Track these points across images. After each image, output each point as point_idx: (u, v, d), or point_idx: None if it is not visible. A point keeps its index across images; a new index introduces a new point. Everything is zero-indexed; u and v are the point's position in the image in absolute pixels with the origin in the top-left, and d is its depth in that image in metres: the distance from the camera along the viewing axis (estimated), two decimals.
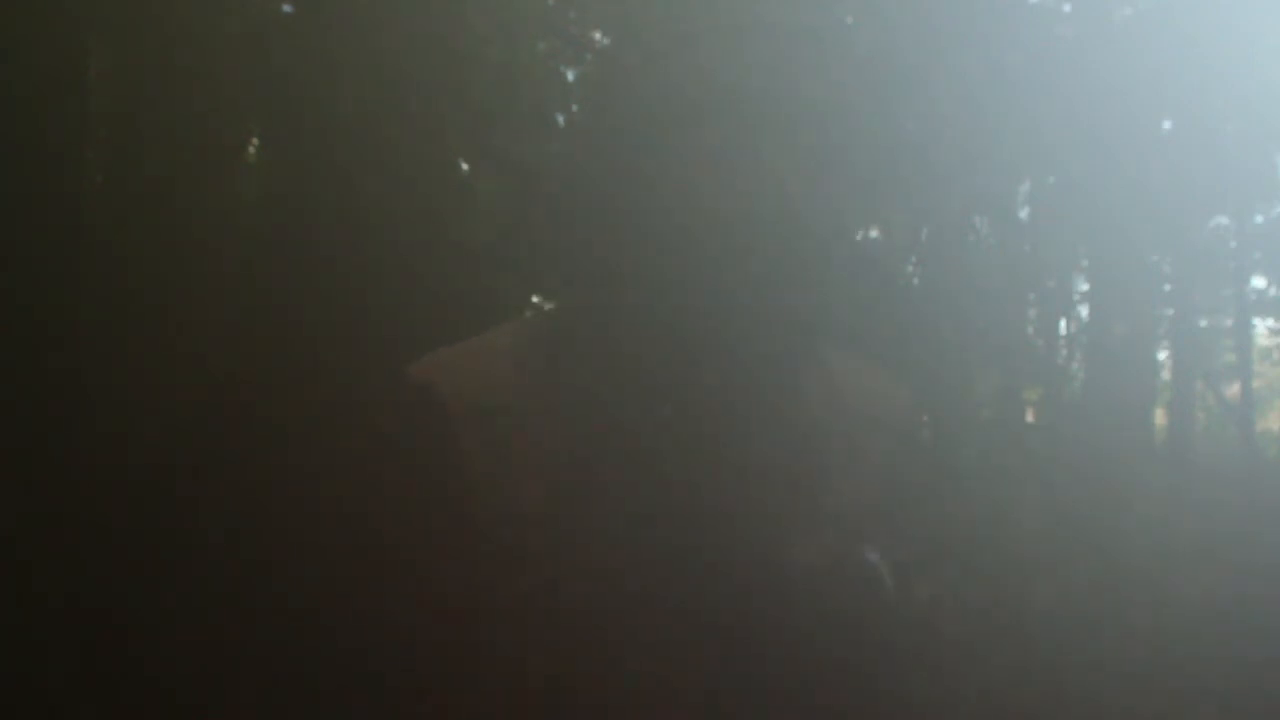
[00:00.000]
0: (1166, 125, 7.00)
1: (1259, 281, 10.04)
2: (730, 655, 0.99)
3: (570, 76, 4.56)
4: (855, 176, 1.05)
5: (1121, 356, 7.28)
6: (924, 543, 1.17)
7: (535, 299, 3.71)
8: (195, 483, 2.86)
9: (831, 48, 1.01)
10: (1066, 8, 6.53)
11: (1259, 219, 9.32)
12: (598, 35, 4.63)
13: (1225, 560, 5.52)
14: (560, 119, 4.16)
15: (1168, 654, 4.43)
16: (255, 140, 3.90)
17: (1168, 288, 8.91)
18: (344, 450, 2.53)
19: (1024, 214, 6.80)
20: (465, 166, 4.07)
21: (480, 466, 0.99)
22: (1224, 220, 9.48)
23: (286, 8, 3.82)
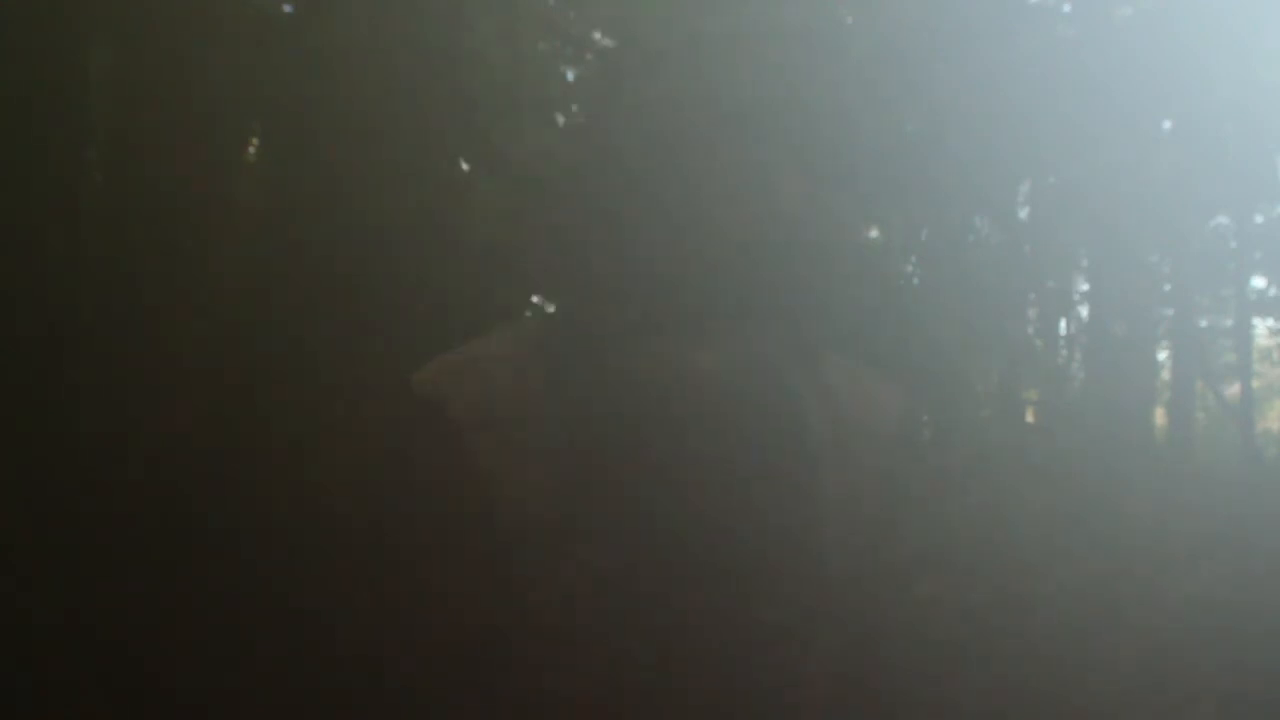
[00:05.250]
0: (1166, 125, 7.00)
1: (1259, 281, 10.02)
2: (734, 656, 0.99)
3: (570, 77, 4.56)
4: (855, 177, 1.05)
5: (1121, 356, 7.28)
6: (924, 543, 1.18)
7: (535, 299, 3.71)
8: (193, 489, 2.85)
9: (831, 50, 1.01)
10: (1066, 8, 6.53)
11: (1259, 219, 9.31)
12: (598, 35, 4.62)
13: (1225, 560, 5.51)
14: (560, 119, 4.16)
15: (1167, 654, 4.43)
16: (255, 140, 3.90)
17: (1168, 288, 8.91)
18: (346, 454, 2.53)
19: (1024, 214, 6.80)
20: (465, 166, 4.07)
21: (485, 473, 0.99)
22: (1224, 220, 9.46)
23: (286, 8, 3.82)
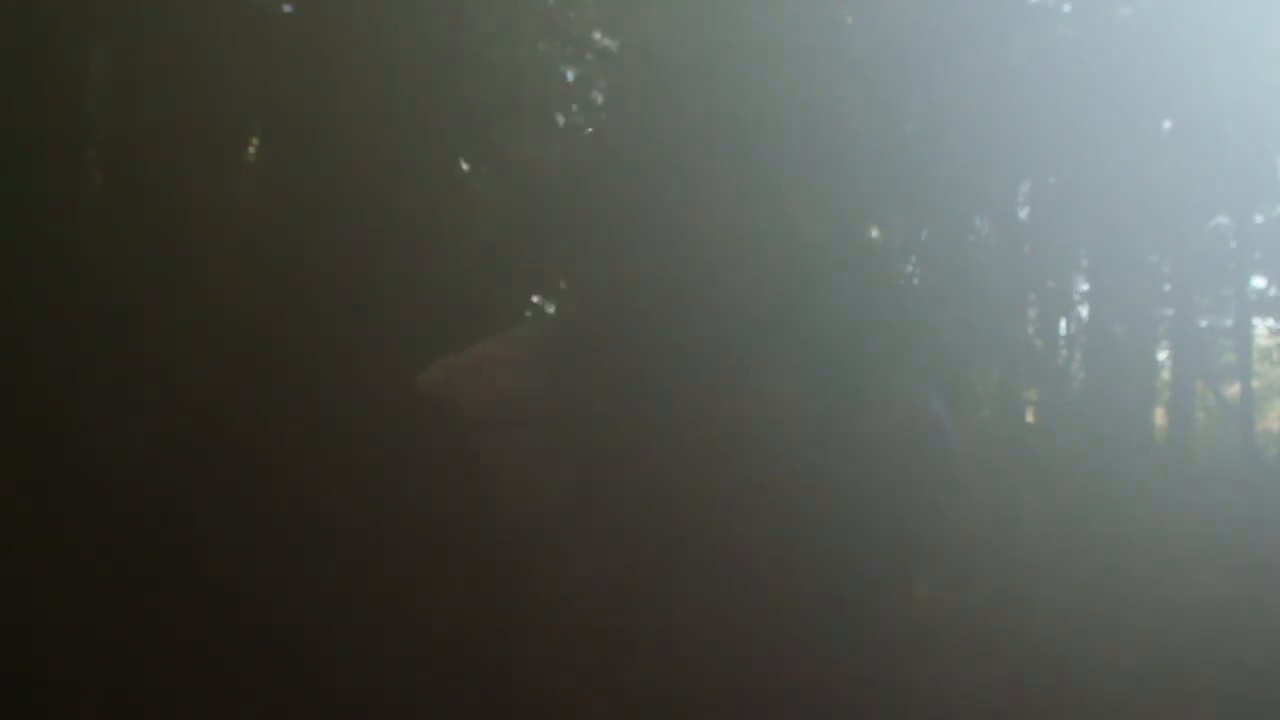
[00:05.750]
0: (1166, 125, 7.01)
1: (1259, 281, 10.03)
2: (738, 657, 0.99)
3: (570, 77, 4.56)
4: (856, 179, 1.05)
5: (1121, 356, 7.29)
6: (923, 543, 1.18)
7: (535, 300, 3.71)
8: (194, 490, 2.86)
9: (831, 51, 1.02)
10: (1066, 8, 6.53)
11: (1259, 219, 9.32)
12: (598, 35, 4.62)
13: (1224, 560, 5.52)
14: (560, 119, 4.16)
15: (1167, 654, 4.43)
16: (255, 140, 3.90)
17: (1168, 288, 8.91)
18: (347, 455, 2.53)
19: (1024, 214, 6.81)
20: (465, 167, 4.07)
21: (488, 474, 0.99)
22: (1224, 220, 9.47)
23: (286, 8, 3.82)
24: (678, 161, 0.98)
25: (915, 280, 5.34)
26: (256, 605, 2.58)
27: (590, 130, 1.12)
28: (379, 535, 1.05)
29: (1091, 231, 6.83)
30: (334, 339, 3.12)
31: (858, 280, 1.04)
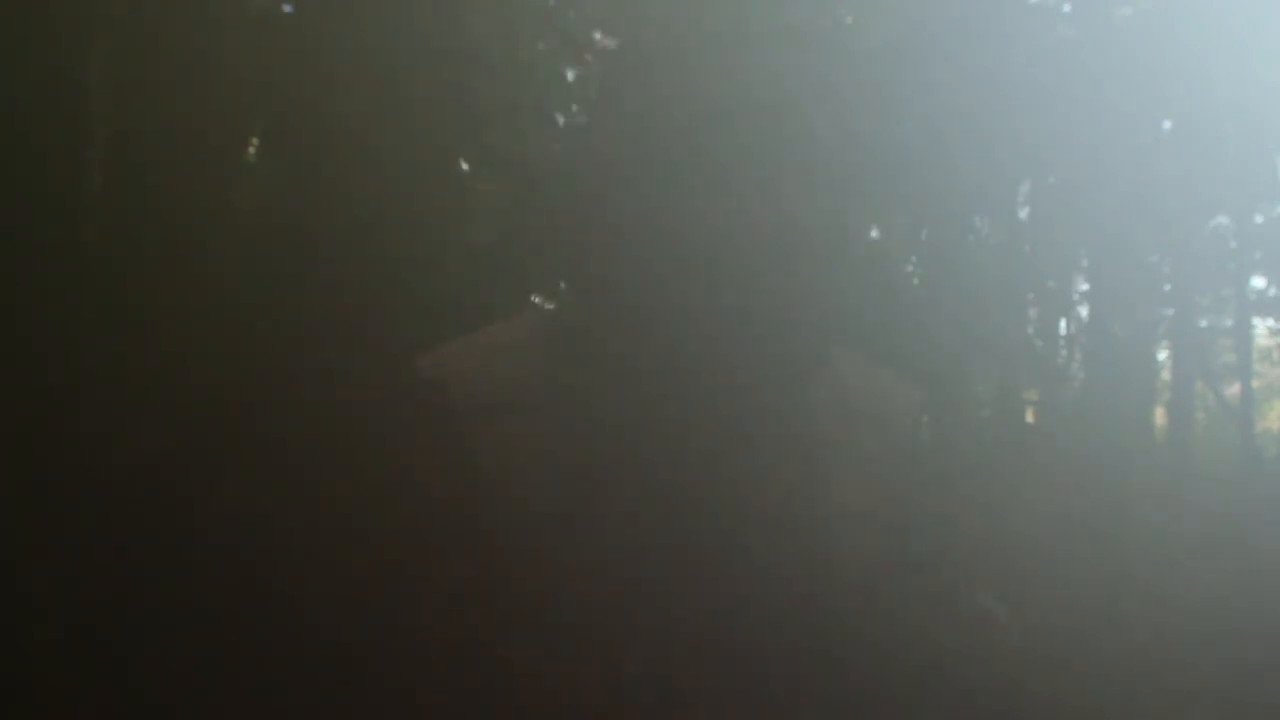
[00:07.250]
0: (1166, 125, 7.00)
1: (1259, 281, 10.01)
2: (734, 654, 0.99)
3: (570, 76, 4.56)
4: (856, 178, 1.05)
5: (1121, 356, 7.28)
6: (923, 543, 1.18)
7: (535, 300, 3.71)
8: (194, 485, 2.85)
9: (832, 50, 1.02)
10: (1066, 8, 6.53)
11: (1259, 219, 9.30)
12: (598, 35, 4.62)
13: (1225, 560, 5.51)
14: (560, 119, 4.16)
15: (1167, 654, 4.43)
16: (254, 141, 3.90)
17: (1168, 288, 8.90)
18: (345, 450, 2.53)
19: (1024, 214, 6.81)
20: (465, 166, 4.07)
21: (488, 464, 0.99)
22: (1224, 220, 9.46)
23: (286, 8, 3.82)
24: (675, 159, 0.99)
25: (915, 280, 5.35)
26: (252, 598, 2.58)
27: (584, 121, 1.11)
28: (373, 524, 1.05)
29: (1091, 231, 6.83)
30: (333, 339, 3.12)
31: (857, 277, 1.04)
